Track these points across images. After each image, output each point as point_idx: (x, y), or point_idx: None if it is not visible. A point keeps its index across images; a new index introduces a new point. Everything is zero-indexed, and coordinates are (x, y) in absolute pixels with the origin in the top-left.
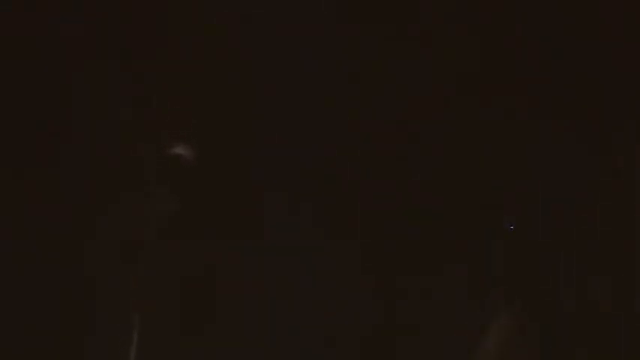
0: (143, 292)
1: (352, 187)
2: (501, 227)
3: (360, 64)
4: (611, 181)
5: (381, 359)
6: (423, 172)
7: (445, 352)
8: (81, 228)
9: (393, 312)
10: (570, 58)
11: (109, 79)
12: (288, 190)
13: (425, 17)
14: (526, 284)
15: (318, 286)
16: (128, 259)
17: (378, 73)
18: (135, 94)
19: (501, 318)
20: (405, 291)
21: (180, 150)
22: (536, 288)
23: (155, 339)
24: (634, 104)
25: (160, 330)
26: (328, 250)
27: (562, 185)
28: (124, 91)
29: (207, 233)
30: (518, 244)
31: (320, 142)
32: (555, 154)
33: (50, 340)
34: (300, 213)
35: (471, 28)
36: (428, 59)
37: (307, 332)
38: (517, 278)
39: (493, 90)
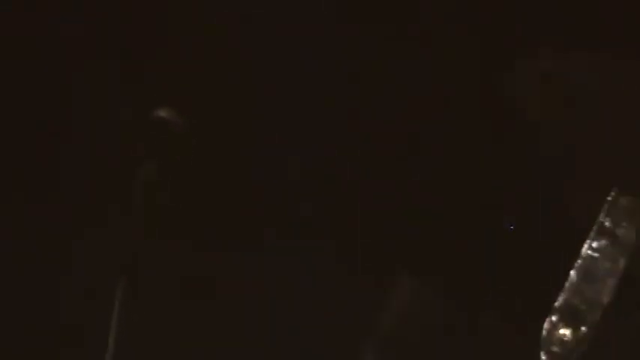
0: (143, 292)
1: (352, 187)
2: (501, 227)
3: (360, 64)
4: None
5: (380, 359)
6: (423, 172)
7: (443, 352)
8: (81, 228)
9: (393, 312)
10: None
11: (109, 79)
12: (289, 189)
13: (425, 17)
14: (526, 284)
15: (318, 286)
16: (128, 259)
17: (378, 73)
18: (135, 94)
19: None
20: (404, 291)
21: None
22: (536, 288)
23: (155, 339)
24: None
25: (160, 329)
26: (328, 250)
27: (562, 185)
28: (124, 91)
29: (207, 233)
30: (518, 244)
31: (320, 142)
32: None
33: (50, 340)
34: (300, 213)
35: (470, 28)
36: (428, 59)
37: (307, 332)
38: (517, 278)
39: (493, 90)
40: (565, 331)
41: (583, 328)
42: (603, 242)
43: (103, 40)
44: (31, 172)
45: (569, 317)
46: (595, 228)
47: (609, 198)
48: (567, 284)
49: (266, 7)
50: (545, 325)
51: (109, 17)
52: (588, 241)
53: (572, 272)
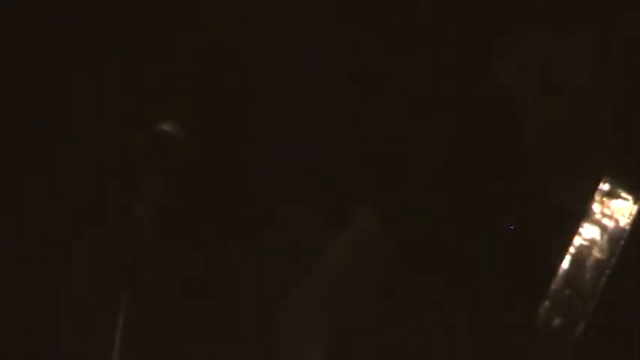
0: (143, 292)
1: (352, 187)
2: (501, 227)
3: (360, 64)
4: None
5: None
6: (423, 172)
7: (443, 353)
8: (80, 228)
9: (392, 312)
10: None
11: (109, 79)
12: (288, 190)
13: (425, 17)
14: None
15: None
16: (128, 260)
17: (378, 73)
18: (135, 94)
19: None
20: (404, 291)
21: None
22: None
23: (155, 339)
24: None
25: (160, 329)
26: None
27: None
28: (124, 91)
29: (207, 233)
30: (518, 244)
31: (320, 142)
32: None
33: (50, 340)
34: (300, 213)
35: (470, 28)
36: (428, 59)
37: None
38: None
39: (493, 89)
40: (559, 320)
41: (576, 317)
42: (595, 232)
43: (103, 40)
44: (31, 172)
45: (562, 306)
46: (586, 219)
47: (599, 189)
48: (560, 273)
49: (266, 7)
50: (540, 314)
51: (109, 17)
52: (580, 232)
53: (565, 262)
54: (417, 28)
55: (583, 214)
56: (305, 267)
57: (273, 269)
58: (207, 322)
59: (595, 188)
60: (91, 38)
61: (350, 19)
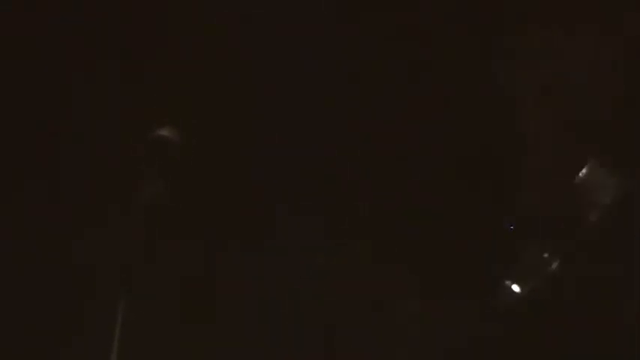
0: (143, 292)
1: (352, 187)
2: (501, 227)
3: (360, 64)
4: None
5: (378, 359)
6: (423, 172)
7: (443, 353)
8: (81, 228)
9: (392, 313)
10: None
11: (109, 79)
12: (288, 190)
13: (425, 17)
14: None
15: (318, 286)
16: (128, 260)
17: (378, 73)
18: (135, 94)
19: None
20: (405, 291)
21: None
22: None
23: (155, 339)
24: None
25: (160, 329)
26: (328, 250)
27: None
28: (124, 91)
29: (207, 233)
30: (517, 243)
31: (320, 142)
32: (555, 153)
33: (49, 339)
34: (300, 213)
35: (470, 28)
36: (428, 59)
37: (307, 332)
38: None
39: (493, 90)
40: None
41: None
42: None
43: (103, 40)
44: (31, 172)
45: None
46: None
47: (584, 171)
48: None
49: (266, 7)
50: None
51: (109, 17)
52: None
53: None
54: (417, 28)
55: (581, 213)
56: (305, 267)
57: (273, 269)
58: (207, 322)
59: (591, 188)
60: (91, 38)
61: (350, 19)
